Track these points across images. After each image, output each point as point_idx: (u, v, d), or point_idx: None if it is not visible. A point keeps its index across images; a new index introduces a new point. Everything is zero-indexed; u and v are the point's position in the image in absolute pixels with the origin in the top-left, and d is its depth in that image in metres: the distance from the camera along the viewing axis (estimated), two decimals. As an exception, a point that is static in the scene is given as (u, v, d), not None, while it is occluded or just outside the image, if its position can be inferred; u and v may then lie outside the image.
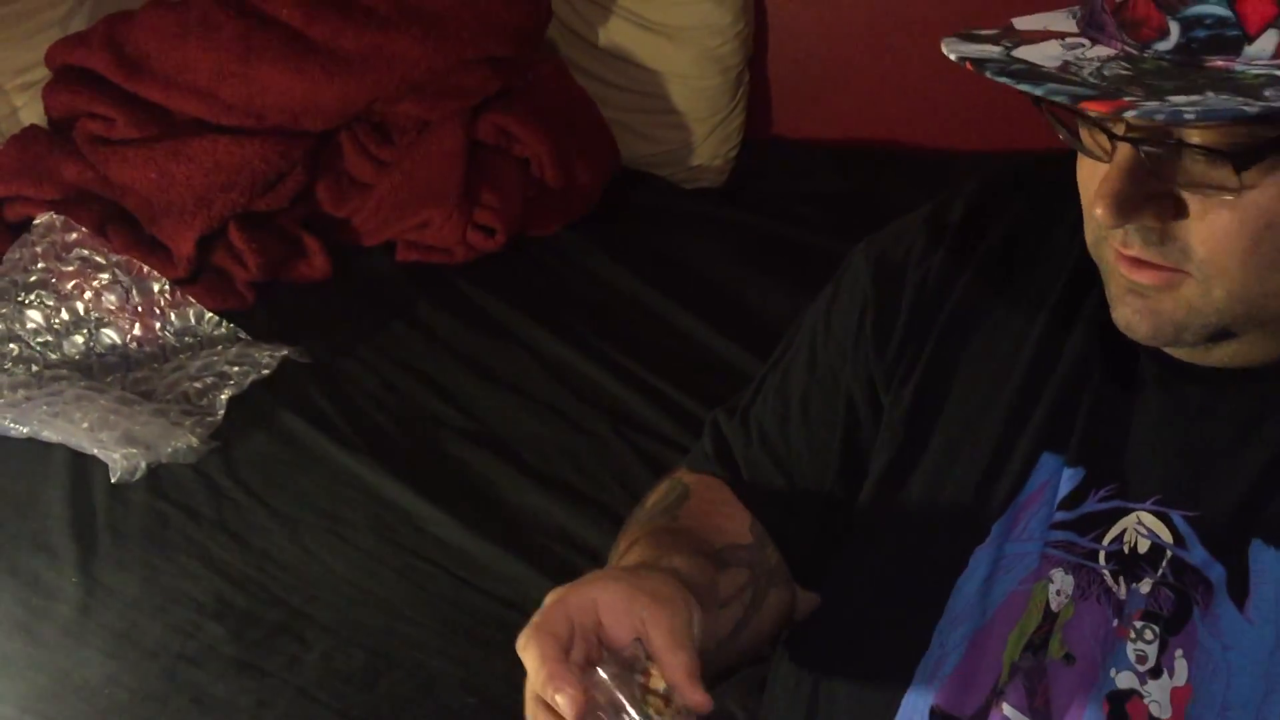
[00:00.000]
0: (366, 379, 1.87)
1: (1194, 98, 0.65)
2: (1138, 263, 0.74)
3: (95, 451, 1.66)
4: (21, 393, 1.82)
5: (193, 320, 1.97)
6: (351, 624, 1.52)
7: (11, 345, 1.92)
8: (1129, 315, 0.77)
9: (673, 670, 0.72)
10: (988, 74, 0.69)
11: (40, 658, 1.46)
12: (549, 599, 0.76)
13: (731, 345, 1.92)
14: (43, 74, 2.11)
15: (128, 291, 1.97)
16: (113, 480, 1.64)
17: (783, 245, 2.15)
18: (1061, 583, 0.83)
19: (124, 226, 2.02)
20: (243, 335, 1.95)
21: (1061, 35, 0.73)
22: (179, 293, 1.97)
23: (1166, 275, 0.74)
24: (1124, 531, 0.83)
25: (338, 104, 2.06)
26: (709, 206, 2.28)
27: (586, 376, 1.87)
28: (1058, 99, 0.68)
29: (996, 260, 0.90)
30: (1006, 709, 0.83)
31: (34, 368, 1.89)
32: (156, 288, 1.98)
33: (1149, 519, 0.82)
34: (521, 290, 2.04)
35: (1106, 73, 0.68)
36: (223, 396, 1.74)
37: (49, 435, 1.71)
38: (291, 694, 1.44)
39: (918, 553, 0.89)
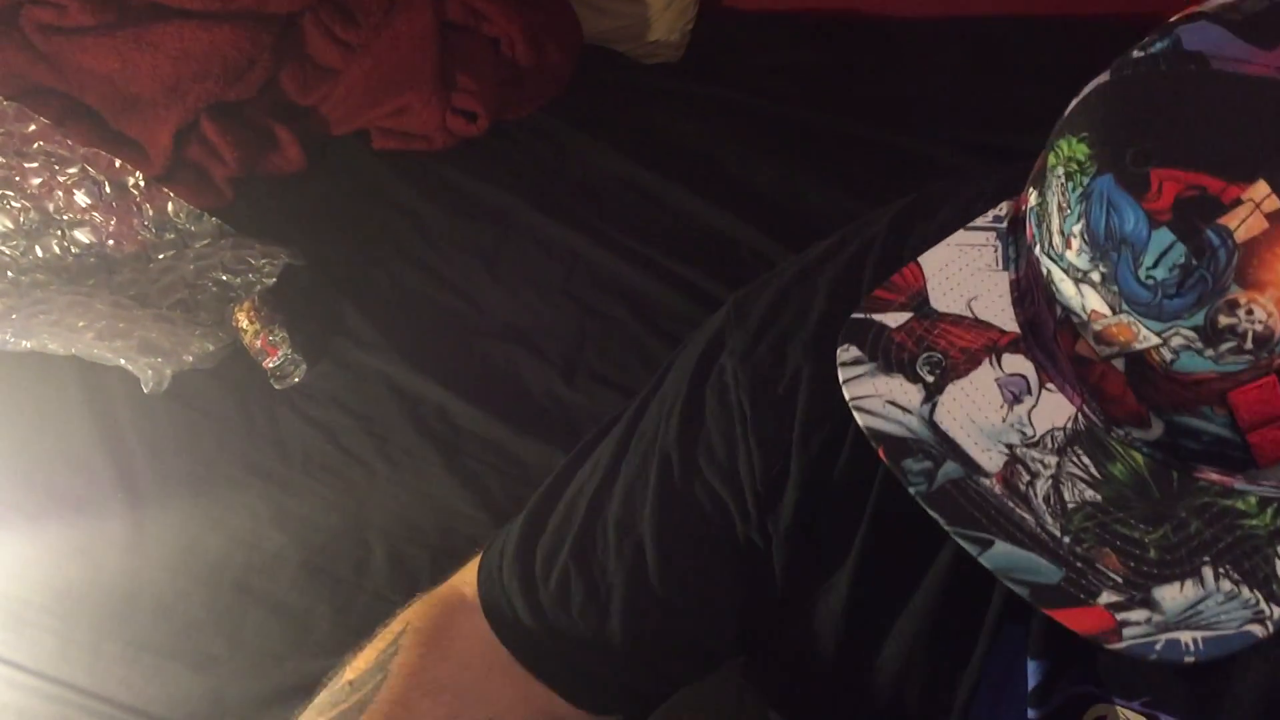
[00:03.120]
0: (369, 274, 1.84)
1: (1188, 592, 0.51)
2: None
3: (122, 362, 1.60)
4: (2, 302, 1.74)
5: (170, 214, 1.89)
6: (409, 524, 1.53)
7: (-21, 251, 1.82)
8: None
9: None
10: (913, 492, 0.54)
11: (106, 579, 1.43)
12: None
13: (726, 216, 1.93)
14: (-25, -44, 1.96)
15: (99, 187, 1.88)
16: (145, 391, 1.59)
17: (756, 117, 2.16)
18: None
19: (86, 121, 1.92)
20: (227, 228, 1.88)
21: (993, 343, 0.56)
22: (153, 187, 1.89)
23: None
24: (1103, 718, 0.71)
25: (305, -17, 1.98)
26: (675, 81, 2.27)
27: (591, 258, 1.87)
28: (1014, 587, 0.52)
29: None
30: None
31: (9, 274, 1.80)
32: (130, 182, 1.89)
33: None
34: (508, 174, 2.01)
35: (1068, 497, 0.53)
36: (234, 309, 1.68)
37: (55, 349, 1.64)
38: (366, 599, 1.46)
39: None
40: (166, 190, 1.87)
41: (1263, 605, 0.50)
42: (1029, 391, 0.54)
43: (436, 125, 2.04)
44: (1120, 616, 0.51)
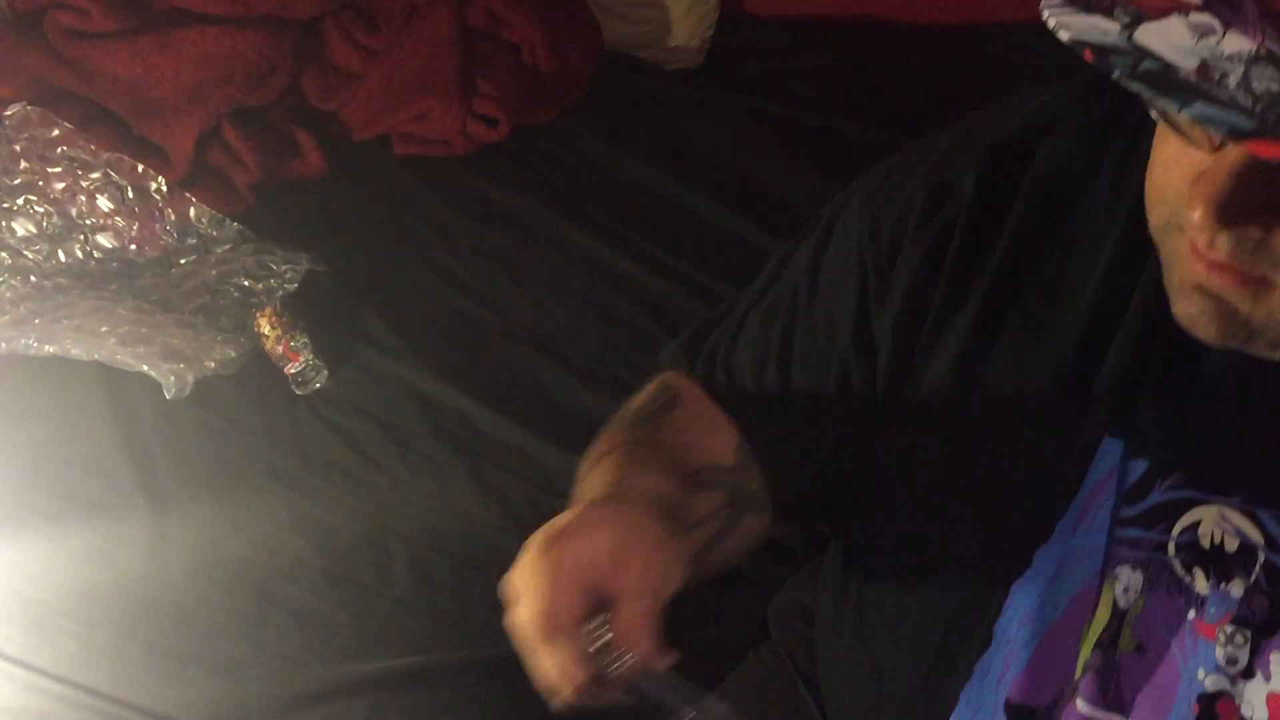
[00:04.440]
0: (392, 280, 1.84)
1: None
2: (1219, 266, 0.67)
3: (145, 368, 1.60)
4: (25, 307, 1.74)
5: (192, 218, 1.89)
6: (431, 532, 1.53)
7: (2, 254, 1.82)
8: (1193, 313, 0.70)
9: (626, 619, 0.72)
10: (1115, 75, 0.58)
11: (127, 583, 1.43)
12: (541, 543, 0.74)
13: (750, 226, 1.93)
14: (0, -39, 1.97)
15: (122, 192, 1.89)
16: (168, 397, 1.60)
17: (779, 123, 2.15)
18: (1128, 579, 0.80)
19: (109, 126, 1.92)
20: (249, 234, 1.88)
21: (1180, 5, 0.61)
22: (176, 192, 1.89)
23: (1250, 282, 0.67)
24: (1197, 523, 0.78)
25: (327, -12, 1.98)
26: (696, 88, 2.26)
27: (616, 267, 1.86)
28: (1213, 128, 0.57)
29: (1025, 231, 0.82)
30: (1080, 704, 0.81)
31: (32, 278, 1.81)
32: (153, 187, 1.89)
33: (1235, 516, 0.77)
34: (530, 181, 2.01)
35: (1256, 85, 0.57)
36: (256, 315, 1.68)
37: (78, 353, 1.65)
38: (387, 605, 1.45)
39: (975, 549, 0.84)
40: (188, 195, 1.87)
41: None
42: (1215, 31, 0.59)
43: (457, 131, 2.04)
44: None
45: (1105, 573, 0.79)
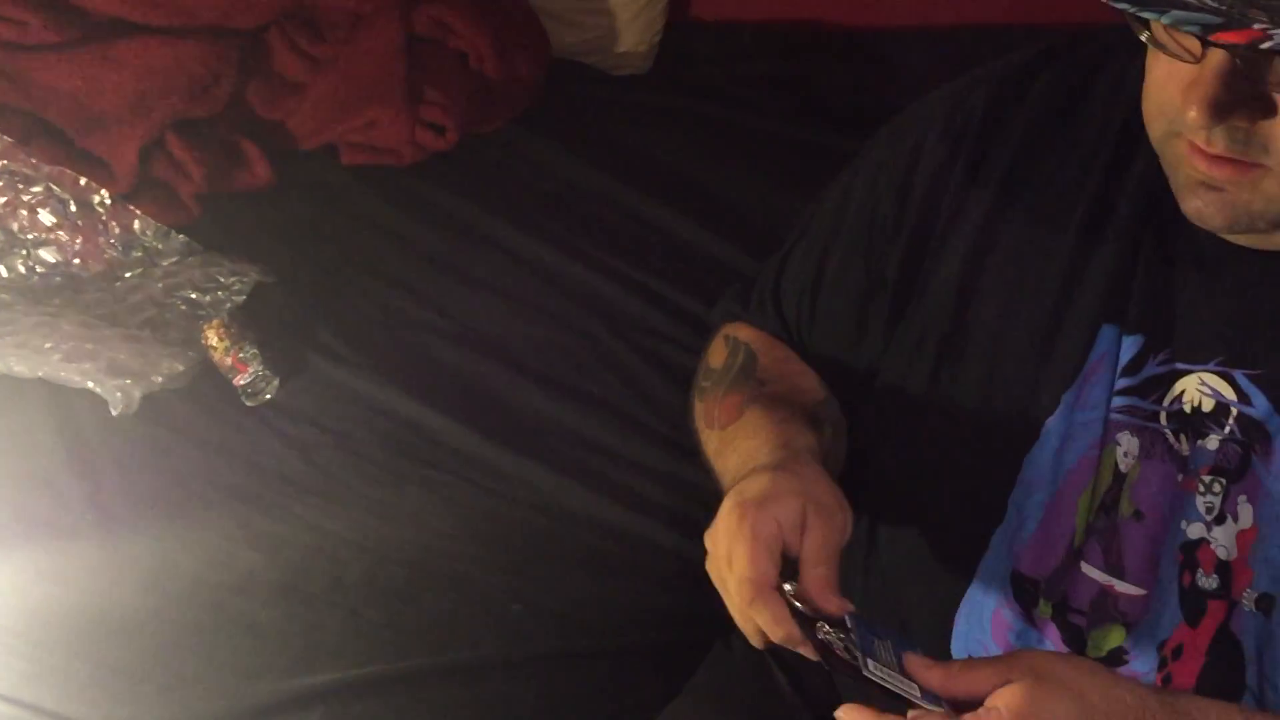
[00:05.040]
0: (342, 289, 1.83)
1: None
2: (1218, 159, 0.77)
3: (90, 385, 1.58)
4: (-32, 324, 1.72)
5: (137, 231, 1.87)
6: (384, 541, 1.52)
7: (-58, 273, 1.80)
8: (1201, 207, 0.80)
9: (810, 582, 0.81)
10: None
11: (76, 601, 1.41)
12: (738, 509, 0.82)
13: (702, 232, 1.93)
14: (-65, -26, 1.94)
15: (64, 206, 1.86)
16: (114, 413, 1.57)
17: (728, 129, 2.16)
18: (1128, 445, 0.89)
19: (50, 139, 1.89)
20: (195, 246, 1.86)
21: None
22: (119, 204, 1.87)
23: (1247, 170, 0.77)
24: (1183, 392, 0.88)
25: (272, -4, 1.97)
26: (644, 93, 2.27)
27: (566, 272, 1.86)
28: (1188, 29, 0.68)
29: (1030, 139, 0.93)
30: (1085, 567, 0.90)
31: (-27, 295, 1.78)
32: (96, 200, 1.87)
33: (1212, 379, 0.86)
34: (480, 188, 2.00)
35: None
36: (204, 327, 1.66)
37: (22, 371, 1.62)
38: (340, 615, 1.44)
39: (987, 427, 0.93)
40: (133, 208, 1.85)
41: None
42: None
43: (405, 139, 2.03)
44: (1268, 31, 0.66)
45: (1105, 441, 0.89)
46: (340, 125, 2.04)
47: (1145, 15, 0.69)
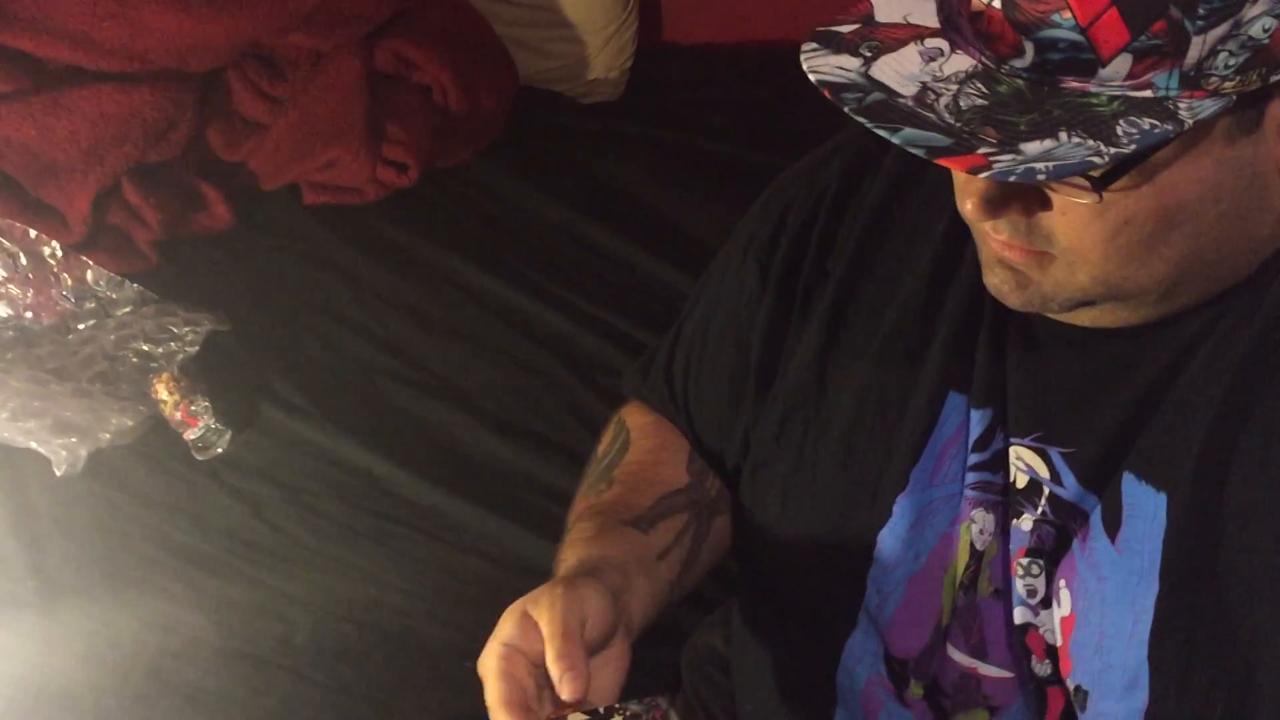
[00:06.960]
0: (299, 336, 1.79)
1: (1047, 144, 0.66)
2: (1006, 244, 0.77)
3: (32, 445, 1.55)
4: (-83, 382, 1.69)
5: (90, 281, 1.84)
6: (334, 599, 1.48)
7: (-111, 331, 1.77)
8: (998, 284, 0.79)
9: (550, 654, 0.78)
10: (847, 110, 0.69)
11: (14, 674, 1.38)
12: (507, 631, 0.80)
13: (666, 265, 1.89)
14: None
15: (14, 259, 1.83)
16: (57, 474, 1.54)
17: (696, 156, 2.12)
18: (983, 521, 0.87)
19: (2, 190, 1.87)
20: (150, 295, 1.83)
21: (920, 34, 0.72)
22: (71, 255, 1.84)
23: (1034, 256, 0.76)
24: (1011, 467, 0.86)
25: (227, 40, 1.93)
26: (614, 121, 2.23)
27: (527, 312, 1.82)
28: (915, 150, 0.67)
29: (883, 204, 0.93)
30: (949, 649, 0.88)
31: (-77, 353, 1.75)
32: (47, 251, 1.84)
33: (1028, 454, 0.85)
34: (441, 225, 1.96)
35: (963, 103, 0.68)
36: (153, 380, 1.63)
37: (-33, 430, 1.59)
38: (286, 678, 1.40)
39: (843, 508, 0.91)
40: (85, 258, 1.82)
41: (1102, 147, 0.65)
42: (942, 54, 0.71)
43: (367, 178, 2.00)
44: (992, 158, 0.65)
45: (963, 515, 0.87)
46: (301, 165, 2.01)
47: (880, 133, 0.68)
